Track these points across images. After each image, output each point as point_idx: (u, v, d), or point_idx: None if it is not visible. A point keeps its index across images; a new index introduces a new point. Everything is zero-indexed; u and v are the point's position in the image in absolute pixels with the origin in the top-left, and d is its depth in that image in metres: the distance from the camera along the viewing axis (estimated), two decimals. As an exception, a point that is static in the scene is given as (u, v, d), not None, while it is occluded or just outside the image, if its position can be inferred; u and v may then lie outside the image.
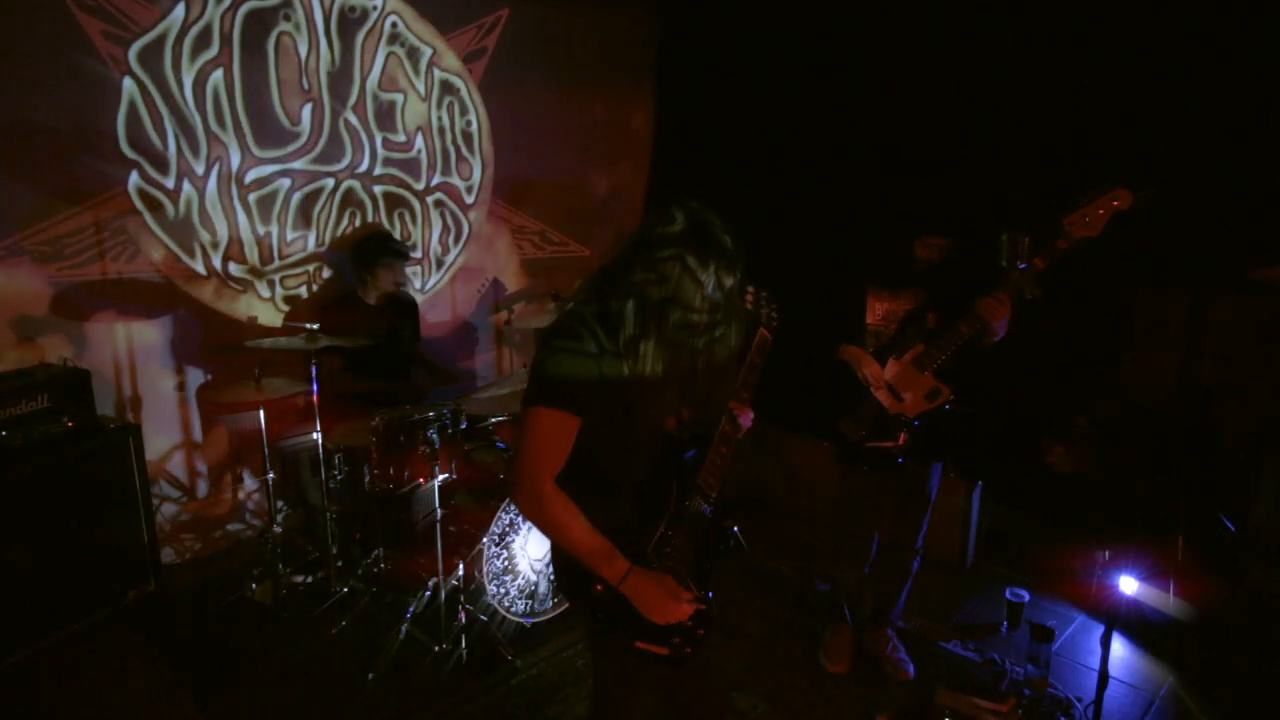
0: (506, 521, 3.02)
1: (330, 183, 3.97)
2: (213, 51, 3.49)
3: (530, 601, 3.10)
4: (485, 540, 2.96)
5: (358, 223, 4.11)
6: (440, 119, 4.36)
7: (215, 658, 2.97)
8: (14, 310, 3.17)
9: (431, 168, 4.37)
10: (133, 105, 3.32)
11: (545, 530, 1.63)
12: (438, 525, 2.92)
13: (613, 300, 1.58)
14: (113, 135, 3.29)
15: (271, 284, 3.85)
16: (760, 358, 1.93)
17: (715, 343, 1.61)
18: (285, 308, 3.90)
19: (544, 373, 1.57)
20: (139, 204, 3.41)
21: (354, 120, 4.00)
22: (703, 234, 1.57)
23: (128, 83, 3.29)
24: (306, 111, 3.82)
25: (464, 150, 4.50)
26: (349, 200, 4.06)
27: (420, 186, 4.35)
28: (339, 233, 4.04)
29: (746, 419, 1.88)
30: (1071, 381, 3.62)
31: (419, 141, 4.29)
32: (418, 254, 4.42)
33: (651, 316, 1.55)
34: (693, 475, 1.79)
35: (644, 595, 1.61)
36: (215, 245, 3.65)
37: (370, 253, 3.72)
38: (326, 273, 4.02)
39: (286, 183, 3.81)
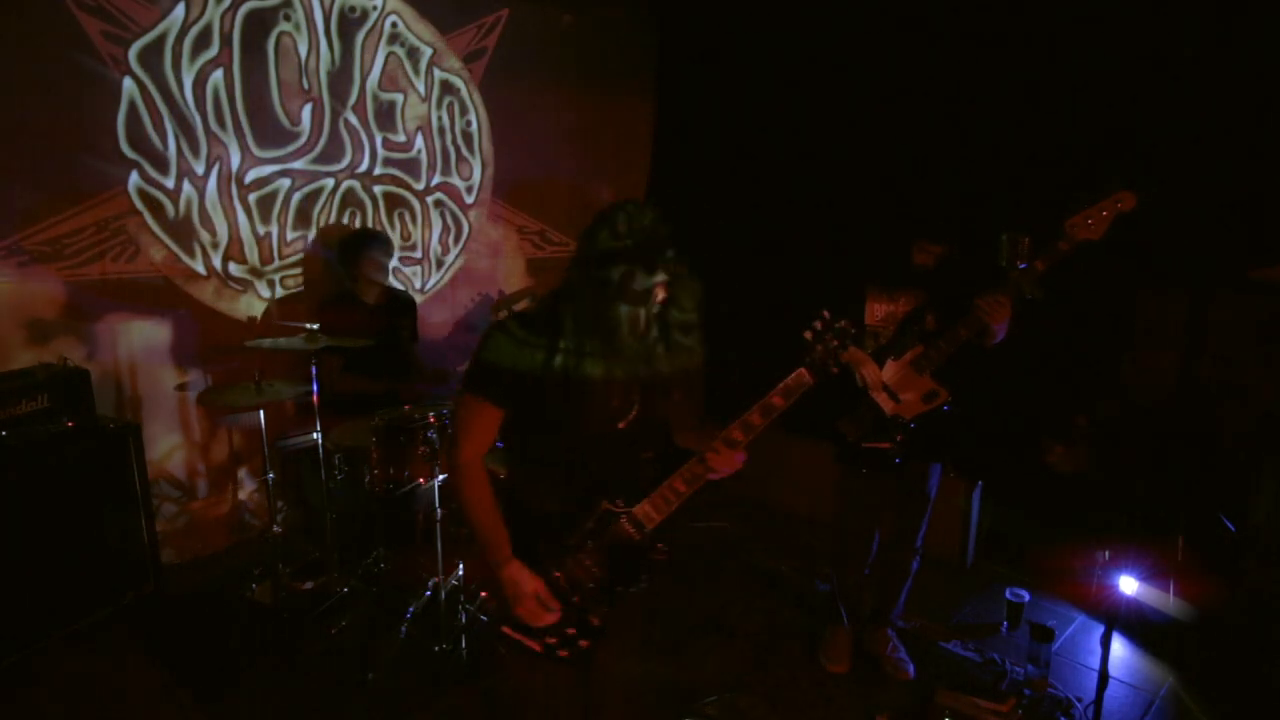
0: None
1: (330, 183, 3.97)
2: (213, 51, 3.49)
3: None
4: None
5: (358, 223, 4.11)
6: (440, 119, 4.36)
7: (215, 658, 2.97)
8: (14, 311, 3.17)
9: (431, 168, 4.37)
10: (133, 105, 3.32)
11: (456, 500, 1.72)
12: (438, 525, 2.92)
13: (564, 300, 1.63)
14: (113, 135, 3.29)
15: (271, 284, 3.84)
16: (783, 399, 1.66)
17: (661, 355, 1.64)
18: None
19: (476, 356, 1.67)
20: (139, 204, 3.40)
21: (354, 120, 4.00)
22: (648, 243, 1.58)
23: (128, 83, 3.29)
24: (306, 111, 3.82)
25: (464, 150, 4.50)
26: (349, 200, 4.06)
27: (420, 186, 4.35)
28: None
29: (725, 463, 1.67)
30: (1071, 381, 3.62)
31: (419, 141, 4.29)
32: (417, 254, 4.42)
33: (595, 320, 1.59)
34: (632, 497, 1.74)
35: (511, 589, 1.67)
36: (215, 245, 3.65)
37: (354, 248, 3.72)
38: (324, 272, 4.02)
39: (286, 183, 3.81)
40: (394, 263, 4.22)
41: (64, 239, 3.24)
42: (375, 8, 3.99)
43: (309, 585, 3.35)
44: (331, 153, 3.94)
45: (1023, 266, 2.39)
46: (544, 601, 1.68)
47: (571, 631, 1.73)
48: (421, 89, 4.25)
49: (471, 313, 4.72)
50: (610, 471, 1.73)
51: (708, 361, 1.74)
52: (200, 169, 3.54)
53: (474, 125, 4.52)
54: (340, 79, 3.91)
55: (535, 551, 1.71)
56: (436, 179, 4.41)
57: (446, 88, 4.36)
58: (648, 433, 1.79)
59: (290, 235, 3.86)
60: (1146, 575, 3.24)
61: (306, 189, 3.88)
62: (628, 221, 1.58)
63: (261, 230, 3.77)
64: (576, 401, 1.65)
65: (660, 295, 1.60)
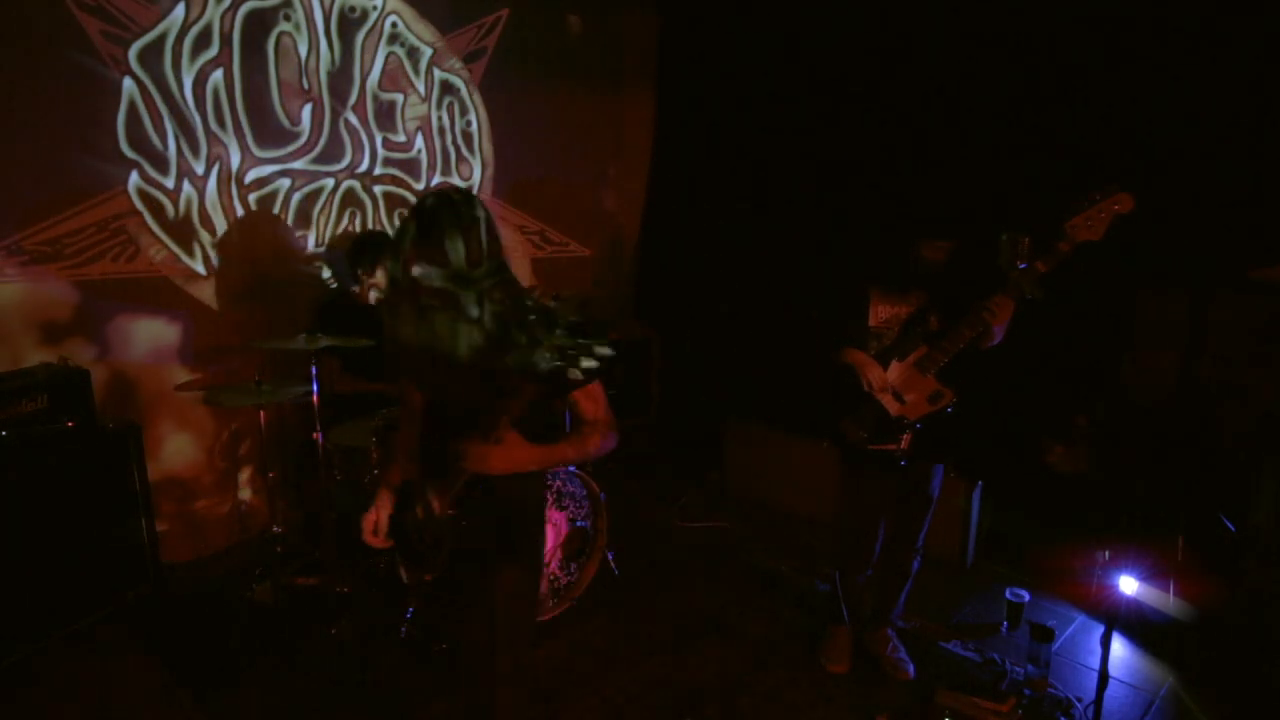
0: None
1: (330, 183, 3.97)
2: (213, 51, 3.49)
3: (530, 601, 3.10)
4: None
5: (358, 222, 4.11)
6: (440, 119, 4.36)
7: (215, 658, 2.97)
8: (14, 311, 3.17)
9: (431, 168, 4.37)
10: (133, 105, 3.32)
11: None
12: (438, 525, 2.91)
13: None
14: (113, 135, 3.29)
15: (271, 284, 3.85)
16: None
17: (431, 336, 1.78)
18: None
19: None
20: (139, 204, 3.40)
21: (354, 120, 4.00)
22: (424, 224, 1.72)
23: (128, 83, 3.29)
24: (306, 111, 3.82)
25: (464, 150, 4.50)
26: (349, 200, 4.06)
27: (420, 186, 4.35)
28: (338, 232, 4.04)
29: (476, 458, 1.73)
30: (1071, 381, 3.62)
31: (419, 141, 4.29)
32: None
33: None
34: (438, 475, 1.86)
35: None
36: (215, 245, 3.65)
37: (371, 253, 3.69)
38: (325, 273, 4.02)
39: (286, 183, 3.81)
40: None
41: (64, 239, 3.24)
42: (375, 8, 3.99)
43: (309, 585, 3.35)
44: (331, 153, 3.94)
45: (1022, 266, 2.39)
46: (378, 529, 1.97)
47: (424, 577, 2.02)
48: (421, 89, 4.25)
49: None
50: (434, 450, 1.88)
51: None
52: (200, 169, 3.54)
53: (474, 125, 4.52)
54: (340, 79, 3.91)
55: (410, 493, 1.96)
56: (437, 179, 4.41)
57: (446, 88, 4.36)
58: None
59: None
60: (1146, 575, 3.24)
61: (306, 189, 3.88)
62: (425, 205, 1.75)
63: (261, 230, 3.77)
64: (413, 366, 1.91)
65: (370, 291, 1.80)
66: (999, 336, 2.49)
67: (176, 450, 3.68)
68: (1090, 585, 3.25)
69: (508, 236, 4.76)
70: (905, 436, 2.63)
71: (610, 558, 3.45)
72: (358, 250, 3.72)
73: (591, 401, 1.85)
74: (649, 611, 3.31)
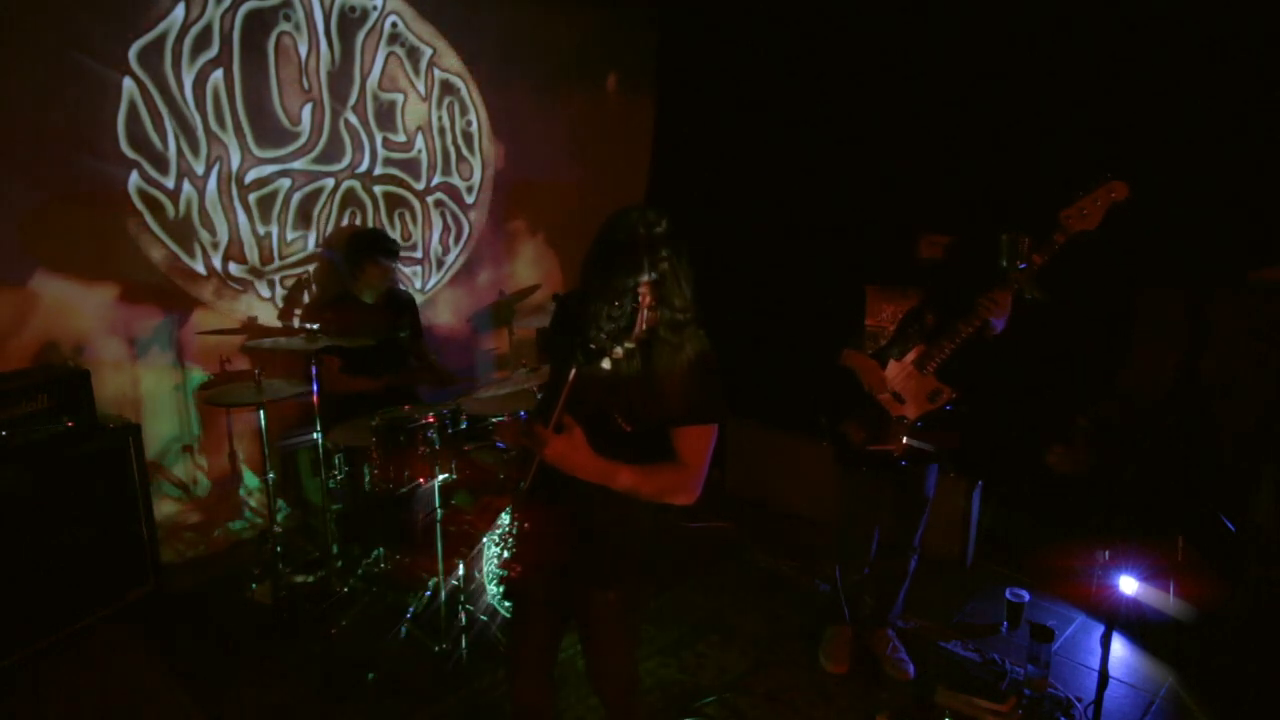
0: (508, 520, 3.02)
1: (330, 183, 3.97)
2: (213, 51, 3.49)
3: (530, 601, 3.10)
4: (486, 539, 2.97)
5: (358, 223, 4.11)
6: (440, 119, 4.36)
7: (215, 658, 2.97)
8: (14, 311, 3.17)
9: (432, 168, 4.37)
10: (133, 105, 3.32)
11: None
12: (438, 525, 2.92)
13: None
14: (113, 135, 3.29)
15: (271, 284, 3.84)
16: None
17: None
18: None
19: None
20: (139, 204, 3.40)
21: (354, 120, 3.99)
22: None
23: (128, 83, 3.29)
24: (306, 111, 3.82)
25: (464, 150, 4.50)
26: (349, 200, 4.06)
27: (420, 186, 4.35)
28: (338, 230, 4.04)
29: (540, 438, 1.72)
30: (1071, 381, 3.61)
31: (419, 141, 4.29)
32: (418, 254, 4.42)
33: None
34: None
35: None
36: (215, 245, 3.65)
37: (361, 250, 3.71)
38: (324, 272, 4.02)
39: (286, 183, 3.81)
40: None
41: (64, 239, 3.24)
42: (375, 8, 3.98)
43: (309, 584, 3.35)
44: (331, 153, 3.94)
45: (1022, 267, 2.39)
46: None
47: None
48: (421, 89, 4.25)
49: (472, 313, 4.72)
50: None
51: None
52: (200, 169, 3.54)
53: (474, 125, 4.52)
54: (340, 79, 3.91)
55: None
56: (437, 179, 4.41)
57: (446, 88, 4.36)
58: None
59: (290, 235, 3.86)
60: (1146, 575, 3.24)
61: (306, 189, 3.88)
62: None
63: (261, 230, 3.76)
64: None
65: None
66: (999, 328, 2.49)
67: (176, 450, 3.68)
68: (1090, 585, 3.25)
69: (498, 234, 4.77)
70: (905, 437, 2.63)
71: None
72: (353, 247, 3.74)
73: (690, 445, 1.79)
74: (649, 611, 3.31)
